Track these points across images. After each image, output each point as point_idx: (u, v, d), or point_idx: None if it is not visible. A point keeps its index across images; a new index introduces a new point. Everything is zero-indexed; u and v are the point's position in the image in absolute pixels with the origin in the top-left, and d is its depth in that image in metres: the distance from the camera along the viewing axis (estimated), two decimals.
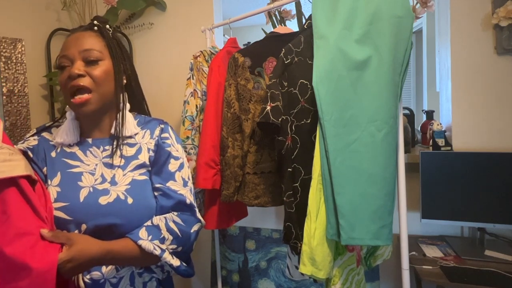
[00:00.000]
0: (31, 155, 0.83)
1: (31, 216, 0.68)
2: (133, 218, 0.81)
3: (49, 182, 0.81)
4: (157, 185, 0.86)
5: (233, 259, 1.95)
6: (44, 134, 0.88)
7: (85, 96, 0.81)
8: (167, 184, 0.86)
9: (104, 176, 0.83)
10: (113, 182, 0.83)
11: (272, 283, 1.88)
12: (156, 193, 0.85)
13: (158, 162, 0.88)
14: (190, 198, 0.87)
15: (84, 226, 0.78)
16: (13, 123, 1.70)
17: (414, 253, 1.46)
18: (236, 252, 1.95)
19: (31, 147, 0.84)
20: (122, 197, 0.81)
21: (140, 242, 0.77)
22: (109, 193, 0.81)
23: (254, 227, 1.92)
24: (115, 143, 0.86)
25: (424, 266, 1.35)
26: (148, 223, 0.81)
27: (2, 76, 1.66)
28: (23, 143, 0.85)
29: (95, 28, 0.87)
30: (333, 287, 1.07)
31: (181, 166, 0.89)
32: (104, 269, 0.81)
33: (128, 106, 0.91)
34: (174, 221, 0.83)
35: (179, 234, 0.82)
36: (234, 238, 1.95)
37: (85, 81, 0.81)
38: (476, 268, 1.30)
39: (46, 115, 1.89)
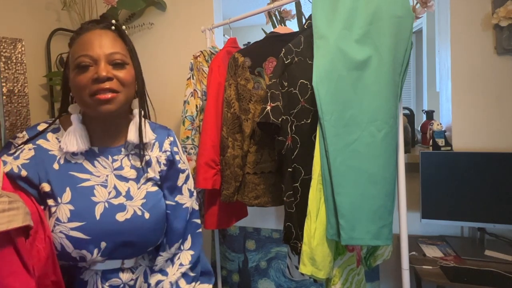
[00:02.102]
0: (25, 173, 0.73)
1: (22, 272, 0.63)
2: (150, 232, 0.82)
3: (58, 200, 0.75)
4: (167, 202, 0.88)
5: (233, 259, 1.95)
6: (40, 142, 0.79)
7: (110, 94, 0.76)
8: (176, 199, 0.89)
9: (117, 188, 0.80)
10: (128, 197, 0.80)
11: (272, 283, 1.88)
12: (167, 211, 0.88)
13: (169, 179, 0.89)
14: (195, 207, 0.93)
15: (103, 244, 0.76)
16: (13, 123, 1.70)
17: (414, 253, 1.46)
18: (236, 252, 1.95)
19: (27, 161, 0.75)
20: (139, 212, 0.80)
21: None
22: (126, 209, 0.79)
23: (254, 227, 1.92)
24: (128, 148, 0.86)
25: (424, 266, 1.35)
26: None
27: (2, 76, 1.66)
28: (15, 153, 0.75)
29: (113, 27, 0.82)
30: (333, 287, 1.07)
31: (187, 178, 0.92)
32: (122, 275, 0.82)
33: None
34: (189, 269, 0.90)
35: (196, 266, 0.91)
36: (234, 238, 1.95)
37: (112, 84, 0.76)
38: (476, 268, 1.30)
39: (46, 115, 1.89)
